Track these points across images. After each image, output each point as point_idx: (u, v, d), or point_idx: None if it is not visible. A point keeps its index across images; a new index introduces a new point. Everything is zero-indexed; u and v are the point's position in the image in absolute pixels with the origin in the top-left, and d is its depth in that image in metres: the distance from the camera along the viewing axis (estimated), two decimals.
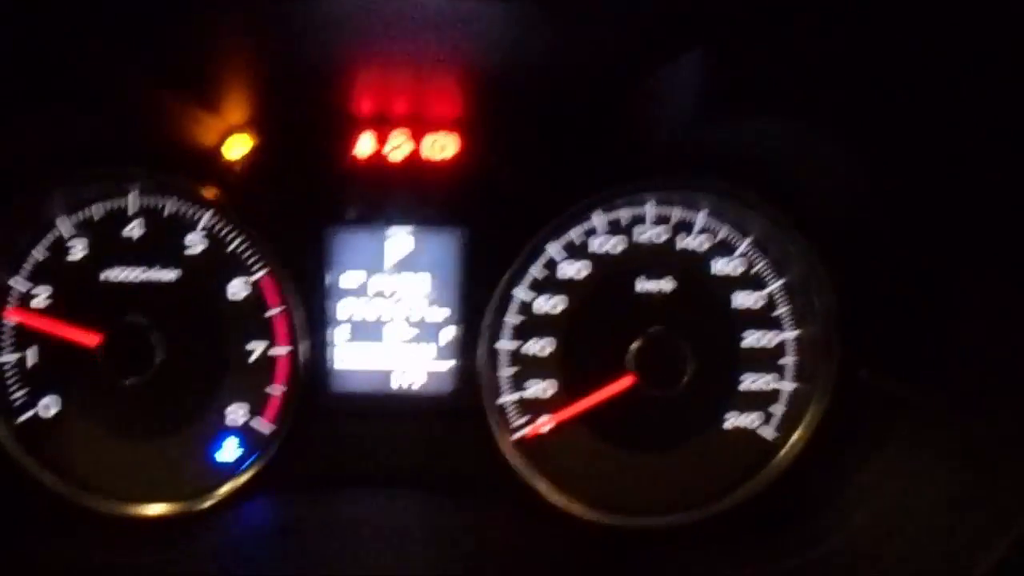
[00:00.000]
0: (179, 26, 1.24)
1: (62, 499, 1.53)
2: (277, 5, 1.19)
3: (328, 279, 1.55)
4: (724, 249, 1.57)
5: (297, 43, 1.31)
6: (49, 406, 1.54)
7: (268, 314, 1.54)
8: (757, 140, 1.51)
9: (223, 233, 1.53)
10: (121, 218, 1.53)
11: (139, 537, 1.48)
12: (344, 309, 1.56)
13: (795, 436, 1.57)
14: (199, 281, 1.53)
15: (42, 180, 1.49)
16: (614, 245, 1.56)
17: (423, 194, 1.54)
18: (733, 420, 1.58)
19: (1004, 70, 1.13)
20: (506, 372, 1.56)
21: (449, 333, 1.57)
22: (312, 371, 1.54)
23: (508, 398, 1.56)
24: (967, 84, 1.19)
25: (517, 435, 1.57)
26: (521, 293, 1.55)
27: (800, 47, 1.27)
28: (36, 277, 1.53)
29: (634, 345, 1.54)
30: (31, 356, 1.53)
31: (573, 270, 1.56)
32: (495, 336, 1.55)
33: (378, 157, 1.53)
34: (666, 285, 1.56)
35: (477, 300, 1.54)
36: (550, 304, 1.55)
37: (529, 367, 1.56)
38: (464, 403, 1.55)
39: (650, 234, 1.56)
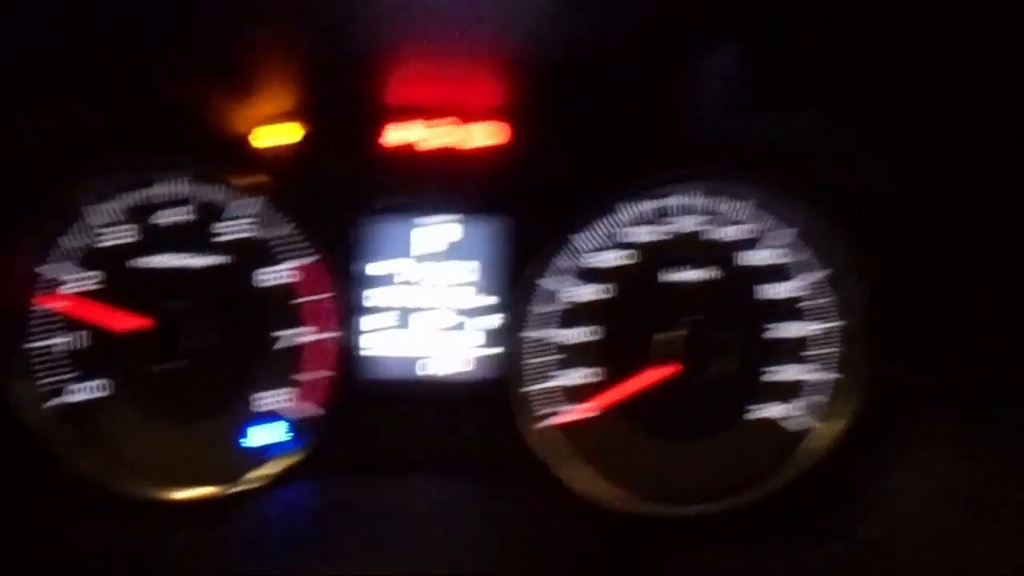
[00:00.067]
0: (219, 15, 1.25)
1: (99, 483, 1.54)
2: None
3: (362, 267, 1.55)
4: (761, 239, 1.57)
5: (339, 31, 1.31)
6: (85, 390, 1.54)
7: (303, 301, 1.54)
8: (796, 131, 1.50)
9: (258, 221, 1.53)
10: (158, 205, 1.53)
11: (174, 521, 1.48)
12: (378, 296, 1.57)
13: (827, 427, 1.56)
14: (235, 268, 1.53)
15: (77, 169, 1.50)
16: (655, 234, 1.56)
17: (460, 183, 1.54)
18: (765, 410, 1.58)
19: None
20: (539, 360, 1.56)
21: (483, 321, 1.57)
22: (345, 358, 1.55)
23: (539, 385, 1.57)
24: (1004, 75, 1.19)
25: (547, 422, 1.57)
26: (559, 281, 1.55)
27: (838, 38, 1.26)
28: (70, 264, 1.53)
29: (671, 334, 1.54)
30: (66, 341, 1.54)
31: (613, 258, 1.56)
32: (531, 323, 1.55)
33: (414, 146, 1.53)
34: (704, 274, 1.56)
35: (513, 288, 1.54)
36: (589, 292, 1.55)
37: (567, 355, 1.56)
38: (494, 390, 1.56)
39: (690, 223, 1.56)
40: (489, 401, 1.56)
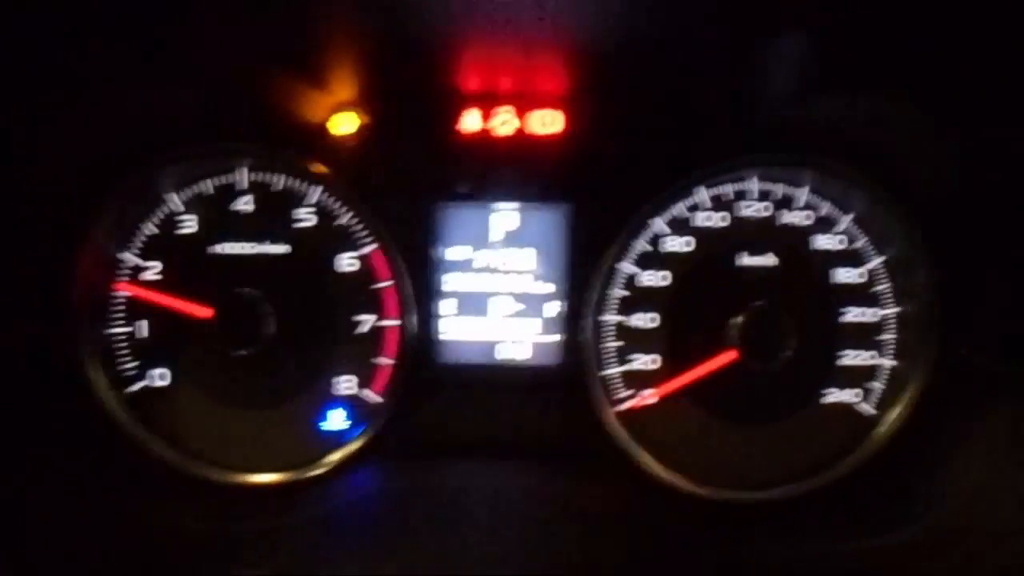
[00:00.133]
0: (295, 3, 1.27)
1: (172, 468, 1.57)
2: None
3: (435, 253, 1.57)
4: (826, 225, 1.58)
5: (404, 19, 1.32)
6: (160, 377, 1.58)
7: (376, 287, 1.56)
8: (859, 116, 1.51)
9: (332, 208, 1.56)
10: (231, 193, 1.56)
11: (247, 505, 1.51)
12: (451, 282, 1.59)
13: (894, 413, 1.57)
14: (308, 255, 1.56)
15: (154, 156, 1.52)
16: (717, 220, 1.57)
17: (529, 170, 1.56)
18: (832, 395, 1.59)
19: None
20: (610, 345, 1.58)
21: (554, 306, 1.59)
22: (419, 343, 1.56)
23: (612, 371, 1.58)
24: None
25: (620, 407, 1.58)
26: (626, 267, 1.56)
27: (903, 24, 1.27)
28: (148, 251, 1.57)
29: (737, 320, 1.55)
30: (142, 328, 1.57)
31: (677, 245, 1.57)
32: (600, 309, 1.56)
33: (484, 133, 1.55)
34: (768, 260, 1.57)
35: (582, 274, 1.56)
36: (654, 278, 1.57)
37: (633, 340, 1.57)
38: (568, 375, 1.57)
39: (753, 209, 1.57)
40: (566, 386, 1.58)
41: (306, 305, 1.56)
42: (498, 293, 1.59)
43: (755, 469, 1.58)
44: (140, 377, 1.57)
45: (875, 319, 1.59)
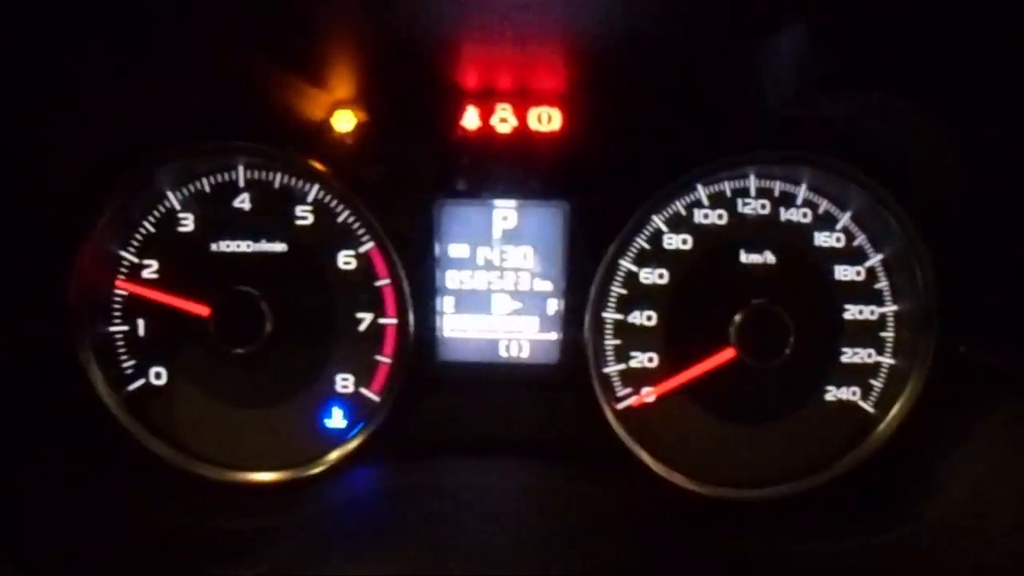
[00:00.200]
0: (286, 1, 1.26)
1: (171, 466, 1.57)
2: None
3: (436, 250, 1.56)
4: (825, 222, 1.58)
5: (403, 16, 1.32)
6: (159, 375, 1.57)
7: (376, 285, 1.56)
8: (859, 114, 1.51)
9: (332, 205, 1.55)
10: (231, 191, 1.56)
11: (247, 504, 1.51)
12: (451, 280, 1.58)
13: (894, 410, 1.57)
14: (308, 252, 1.56)
15: (153, 154, 1.52)
16: (717, 217, 1.57)
17: (527, 167, 1.56)
18: (833, 393, 1.59)
19: None
20: (610, 343, 1.57)
21: (555, 304, 1.59)
22: (420, 340, 1.56)
23: (613, 368, 1.58)
24: None
25: (621, 405, 1.58)
26: (626, 264, 1.56)
27: (903, 21, 1.27)
28: (146, 249, 1.56)
29: (737, 317, 1.54)
30: (141, 326, 1.57)
31: (677, 242, 1.57)
32: (599, 307, 1.56)
33: (483, 131, 1.54)
34: (768, 258, 1.56)
35: (583, 271, 1.55)
36: (654, 276, 1.57)
37: (633, 338, 1.57)
38: (570, 373, 1.57)
39: (753, 207, 1.57)
40: (565, 384, 1.57)
41: (304, 303, 1.56)
42: (497, 291, 1.59)
43: (754, 467, 1.58)
44: (139, 376, 1.57)
45: (874, 317, 1.58)
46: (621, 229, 1.53)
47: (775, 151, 1.55)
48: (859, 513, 1.50)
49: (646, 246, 1.57)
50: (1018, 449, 1.38)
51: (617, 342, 1.57)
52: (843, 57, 1.40)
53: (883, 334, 1.59)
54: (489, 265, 1.58)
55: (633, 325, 1.57)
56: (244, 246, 1.55)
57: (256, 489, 1.57)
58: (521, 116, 1.54)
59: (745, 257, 1.56)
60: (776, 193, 1.57)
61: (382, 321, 1.56)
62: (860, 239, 1.58)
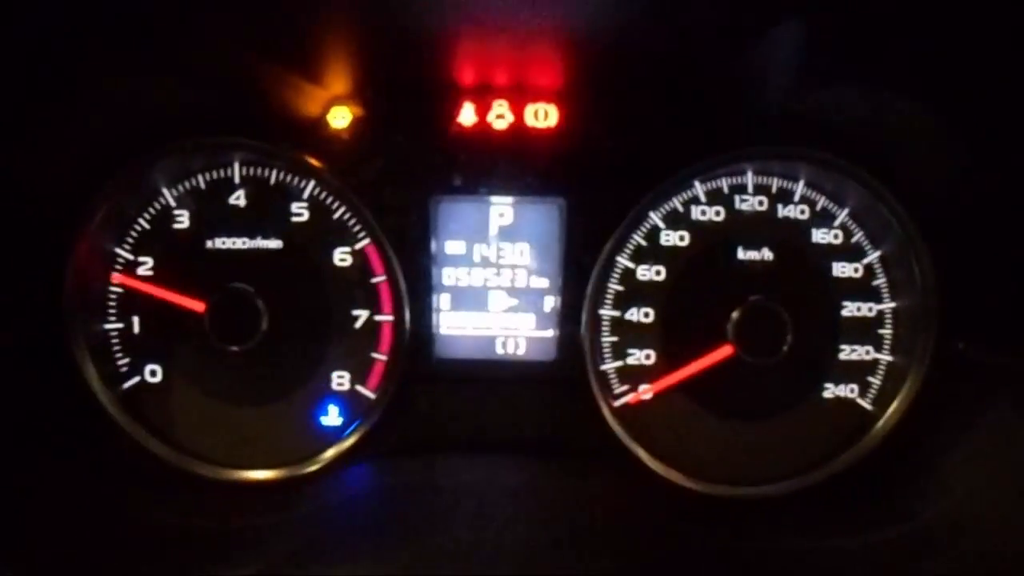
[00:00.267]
0: None
1: (166, 464, 1.57)
2: None
3: (432, 247, 1.56)
4: (822, 219, 1.57)
5: (399, 13, 1.31)
6: (154, 372, 1.57)
7: (372, 281, 1.55)
8: (857, 110, 1.50)
9: (327, 202, 1.55)
10: (227, 187, 1.55)
11: (244, 502, 1.50)
12: (448, 276, 1.58)
13: (892, 408, 1.56)
14: (304, 249, 1.55)
15: (148, 150, 1.51)
16: (715, 214, 1.56)
17: (524, 164, 1.55)
18: (831, 390, 1.59)
19: None
20: (607, 340, 1.57)
21: (552, 301, 1.58)
22: (416, 337, 1.55)
23: (610, 365, 1.58)
24: None
25: (619, 402, 1.58)
26: (623, 261, 1.56)
27: (900, 17, 1.26)
28: (141, 246, 1.55)
29: (734, 314, 1.54)
30: (137, 323, 1.56)
31: (674, 239, 1.56)
32: (596, 304, 1.55)
33: (479, 127, 1.54)
34: (766, 254, 1.56)
35: (579, 268, 1.55)
36: (652, 272, 1.56)
37: (630, 335, 1.57)
38: (566, 370, 1.57)
39: (750, 203, 1.57)
40: (562, 381, 1.57)
41: (299, 300, 1.55)
42: (494, 287, 1.58)
43: (752, 465, 1.58)
44: (134, 373, 1.57)
45: (872, 314, 1.58)
46: (618, 226, 1.53)
47: (773, 147, 1.54)
48: (857, 510, 1.50)
49: (643, 243, 1.56)
50: (1016, 445, 1.38)
51: (614, 339, 1.57)
52: (841, 53, 1.39)
53: (881, 331, 1.58)
54: (485, 262, 1.58)
55: (630, 322, 1.57)
56: (240, 243, 1.54)
57: (252, 487, 1.56)
58: (518, 112, 1.54)
59: (743, 254, 1.56)
60: (774, 189, 1.57)
61: (378, 318, 1.56)
62: (858, 236, 1.58)
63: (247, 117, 1.52)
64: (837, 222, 1.57)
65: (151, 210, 1.55)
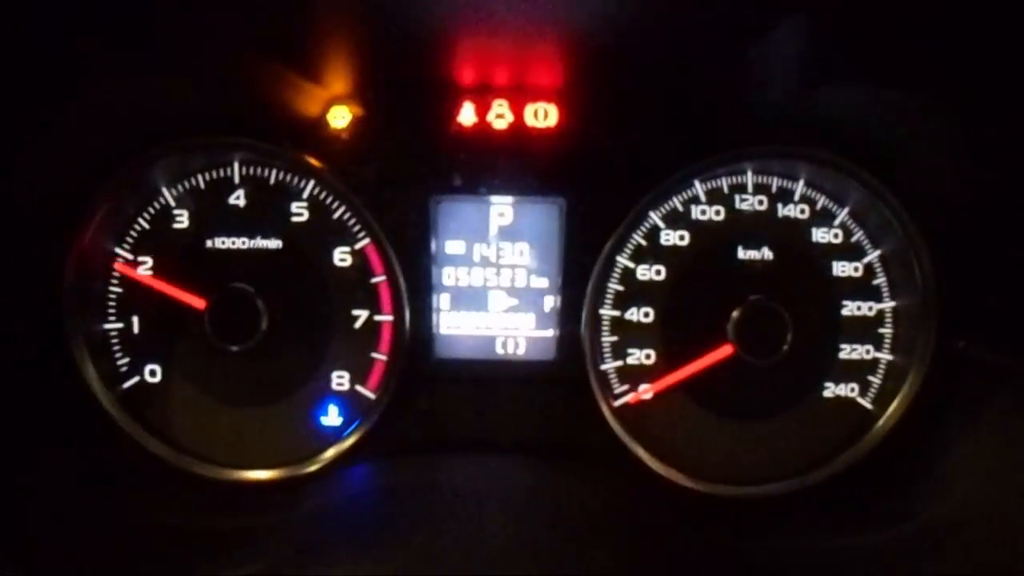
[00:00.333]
0: None
1: (166, 464, 1.56)
2: None
3: (432, 247, 1.55)
4: (823, 218, 1.57)
5: (399, 13, 1.31)
6: (154, 372, 1.57)
7: (372, 281, 1.55)
8: (856, 109, 1.50)
9: (327, 201, 1.55)
10: (226, 187, 1.55)
11: (243, 502, 1.50)
12: (448, 276, 1.57)
13: (893, 407, 1.56)
14: (304, 249, 1.55)
15: (148, 150, 1.51)
16: (715, 213, 1.56)
17: (524, 164, 1.54)
18: (831, 390, 1.59)
19: None
20: (607, 340, 1.57)
21: (552, 300, 1.58)
22: (416, 337, 1.55)
23: (610, 365, 1.57)
24: None
25: (619, 402, 1.58)
26: (623, 261, 1.56)
27: (901, 16, 1.26)
28: (140, 246, 1.55)
29: (734, 314, 1.54)
30: (136, 323, 1.56)
31: (674, 238, 1.56)
32: (598, 303, 1.55)
33: (479, 126, 1.54)
34: (766, 254, 1.56)
35: (579, 268, 1.55)
36: (651, 272, 1.56)
37: (630, 335, 1.57)
38: (566, 370, 1.56)
39: (750, 202, 1.57)
40: (563, 381, 1.57)
41: (299, 300, 1.55)
42: (494, 287, 1.58)
43: (752, 464, 1.58)
44: (133, 373, 1.57)
45: (872, 313, 1.58)
46: (618, 225, 1.53)
47: (773, 147, 1.54)
48: (857, 510, 1.50)
49: (643, 242, 1.56)
50: (1017, 444, 1.38)
51: (614, 339, 1.57)
52: (841, 52, 1.39)
53: (881, 330, 1.58)
54: (485, 262, 1.57)
55: (630, 322, 1.56)
56: (239, 243, 1.54)
57: (252, 487, 1.56)
58: (517, 112, 1.53)
59: (743, 253, 1.56)
60: (774, 189, 1.57)
61: (378, 318, 1.55)
62: (858, 235, 1.58)
63: (247, 117, 1.52)
64: (837, 221, 1.57)
65: (151, 210, 1.55)
